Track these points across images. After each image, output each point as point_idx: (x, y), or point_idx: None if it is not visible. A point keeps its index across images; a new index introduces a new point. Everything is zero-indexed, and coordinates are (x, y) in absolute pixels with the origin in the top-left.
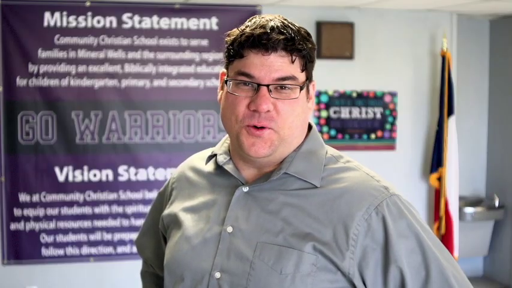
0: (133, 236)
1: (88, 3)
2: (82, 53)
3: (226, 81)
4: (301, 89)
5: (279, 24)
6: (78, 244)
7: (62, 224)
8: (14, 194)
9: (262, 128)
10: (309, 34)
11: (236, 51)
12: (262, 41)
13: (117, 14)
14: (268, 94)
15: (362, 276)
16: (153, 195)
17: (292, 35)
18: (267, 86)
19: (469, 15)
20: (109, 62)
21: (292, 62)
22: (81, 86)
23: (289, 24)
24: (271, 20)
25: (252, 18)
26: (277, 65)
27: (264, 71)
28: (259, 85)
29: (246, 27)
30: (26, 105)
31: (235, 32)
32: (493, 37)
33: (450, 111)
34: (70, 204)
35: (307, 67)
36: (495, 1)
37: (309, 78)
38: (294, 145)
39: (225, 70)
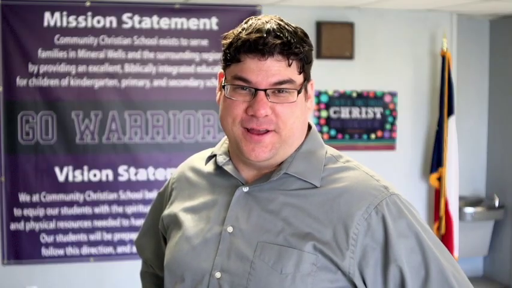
0: (133, 236)
1: (88, 3)
2: (82, 53)
3: (223, 86)
4: (299, 92)
5: (275, 27)
6: (78, 244)
7: (62, 224)
8: (14, 194)
9: (264, 133)
10: (306, 34)
11: (233, 56)
12: (259, 46)
13: (117, 14)
14: (265, 99)
15: (362, 276)
16: (153, 195)
17: (289, 38)
18: (265, 90)
19: (469, 15)
20: (109, 62)
21: (289, 65)
22: (81, 86)
23: (286, 26)
24: (267, 23)
25: (248, 20)
26: (274, 69)
27: (261, 76)
28: (256, 90)
29: (243, 29)
30: (26, 105)
31: (232, 34)
32: (493, 37)
33: (450, 111)
34: (70, 204)
35: (305, 69)
36: (495, 1)
37: (306, 78)
38: (294, 146)
39: (222, 71)
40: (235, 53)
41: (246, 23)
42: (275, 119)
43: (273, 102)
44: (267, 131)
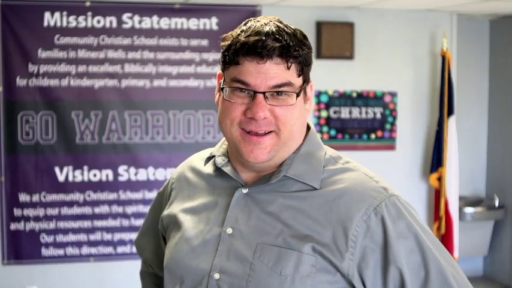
0: (133, 236)
1: (88, 3)
2: (82, 53)
3: (222, 88)
4: (298, 95)
5: (274, 30)
6: (78, 244)
7: (62, 224)
8: (14, 194)
9: (263, 134)
10: (305, 36)
11: (231, 58)
12: (257, 49)
13: (117, 14)
14: (264, 101)
15: (361, 277)
16: (153, 195)
17: (288, 40)
18: (263, 93)
19: (469, 15)
20: (109, 62)
21: (288, 68)
22: (81, 86)
23: (285, 28)
24: (266, 25)
25: (247, 22)
26: (272, 72)
27: (260, 79)
28: (255, 92)
29: (242, 32)
30: (26, 105)
31: (230, 36)
32: (493, 37)
33: (450, 111)
34: (70, 204)
35: (304, 71)
36: (495, 1)
37: (306, 81)
38: (293, 148)
39: (221, 72)
40: (234, 55)
41: (244, 24)
42: (274, 121)
43: (271, 105)
44: (267, 132)
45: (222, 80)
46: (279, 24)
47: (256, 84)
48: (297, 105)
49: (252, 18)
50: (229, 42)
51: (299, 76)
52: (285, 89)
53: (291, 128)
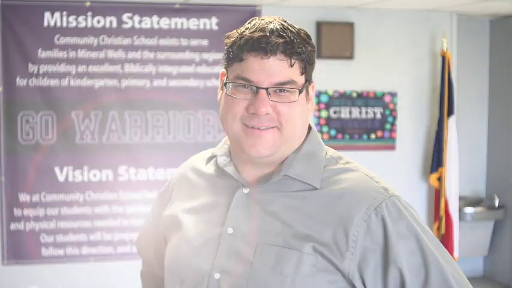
0: (133, 236)
1: (88, 3)
2: (82, 53)
3: (225, 84)
4: (300, 92)
5: (278, 27)
6: (78, 244)
7: (62, 224)
8: (14, 194)
9: (266, 129)
10: (308, 36)
11: (235, 54)
12: (261, 44)
13: (117, 14)
14: (267, 97)
15: (362, 277)
16: (153, 195)
17: (292, 38)
18: (266, 89)
19: (469, 15)
20: (109, 62)
21: (291, 65)
22: (81, 86)
23: (289, 27)
24: (270, 23)
25: (252, 20)
26: (276, 68)
27: (263, 76)
28: (258, 88)
29: (246, 29)
30: (26, 105)
31: (235, 34)
32: (493, 37)
33: (450, 111)
34: (70, 204)
35: (307, 70)
36: (495, 1)
37: (308, 80)
38: (295, 146)
39: (224, 70)
40: (238, 51)
41: (249, 23)
42: (277, 117)
43: (274, 101)
44: (269, 128)
45: (225, 78)
46: (283, 22)
47: (259, 80)
48: (299, 102)
49: (257, 17)
50: (233, 39)
51: (302, 74)
52: (287, 87)
53: (294, 124)
